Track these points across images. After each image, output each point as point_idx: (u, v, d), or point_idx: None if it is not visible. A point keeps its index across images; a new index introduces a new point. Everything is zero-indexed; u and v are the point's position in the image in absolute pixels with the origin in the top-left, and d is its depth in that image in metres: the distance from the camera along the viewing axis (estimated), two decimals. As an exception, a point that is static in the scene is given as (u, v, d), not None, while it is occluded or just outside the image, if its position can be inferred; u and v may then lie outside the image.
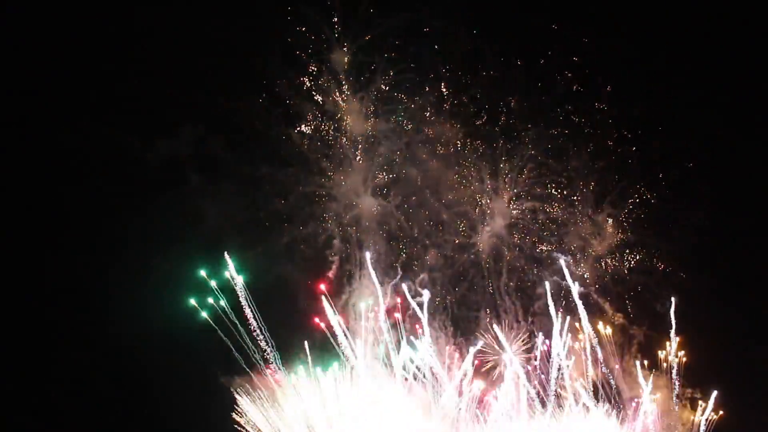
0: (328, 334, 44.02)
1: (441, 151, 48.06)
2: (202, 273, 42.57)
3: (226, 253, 42.58)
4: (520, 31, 48.87)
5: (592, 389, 46.63)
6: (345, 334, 44.02)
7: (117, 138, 41.68)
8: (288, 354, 43.46)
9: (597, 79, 48.96)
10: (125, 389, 44.09)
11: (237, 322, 42.48)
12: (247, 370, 42.94)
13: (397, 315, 45.37)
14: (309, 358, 43.29)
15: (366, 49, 46.28)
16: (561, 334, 46.06)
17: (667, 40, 50.54)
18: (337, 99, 46.39)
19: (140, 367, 43.49)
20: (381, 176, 47.14)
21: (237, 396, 43.04)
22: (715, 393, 46.79)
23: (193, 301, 42.51)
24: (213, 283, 42.54)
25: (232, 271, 42.76)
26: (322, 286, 44.72)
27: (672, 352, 47.21)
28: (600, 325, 47.34)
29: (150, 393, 43.74)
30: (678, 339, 47.19)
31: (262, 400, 43.05)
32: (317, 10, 45.26)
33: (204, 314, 42.37)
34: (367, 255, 45.71)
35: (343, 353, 43.92)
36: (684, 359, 47.35)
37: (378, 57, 46.45)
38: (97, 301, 43.92)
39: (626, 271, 48.91)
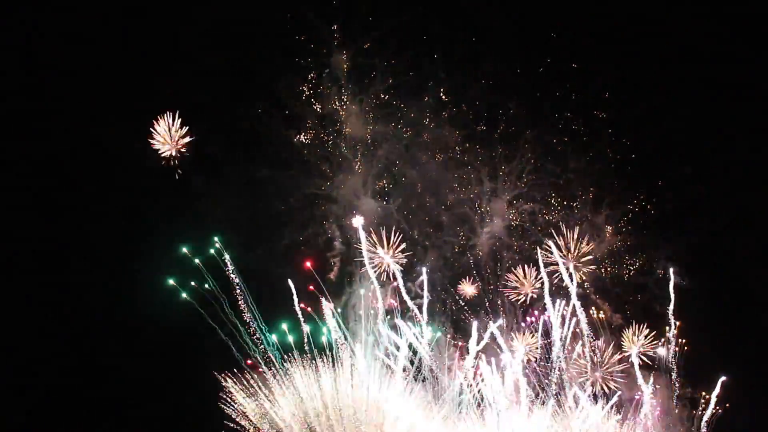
0: (321, 324, 44.37)
1: (439, 158, 48.43)
2: (185, 251, 43.00)
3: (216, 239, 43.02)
4: (519, 37, 49.50)
5: (591, 389, 46.72)
6: (339, 325, 44.25)
7: (118, 140, 42.01)
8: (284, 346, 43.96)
9: (596, 82, 49.50)
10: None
11: (237, 322, 42.96)
12: (242, 361, 43.44)
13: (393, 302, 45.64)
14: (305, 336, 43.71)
15: (365, 55, 46.84)
16: (562, 325, 46.20)
17: (666, 45, 51.11)
18: (336, 104, 46.79)
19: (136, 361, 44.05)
20: (381, 180, 47.49)
21: (230, 388, 43.43)
22: (722, 378, 46.81)
23: (177, 287, 43.00)
24: (206, 273, 43.10)
25: (228, 261, 43.24)
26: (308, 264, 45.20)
27: (671, 341, 47.31)
28: (593, 310, 47.52)
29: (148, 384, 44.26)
30: (678, 323, 47.26)
31: (257, 394, 43.39)
32: (317, 15, 45.91)
33: (184, 294, 42.73)
34: (366, 257, 46.02)
35: (332, 333, 44.24)
36: (685, 348, 47.47)
37: (377, 62, 47.04)
38: (95, 297, 44.39)
39: (626, 278, 49.13)
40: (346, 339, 44.17)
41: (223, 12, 44.43)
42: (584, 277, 47.81)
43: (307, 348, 43.52)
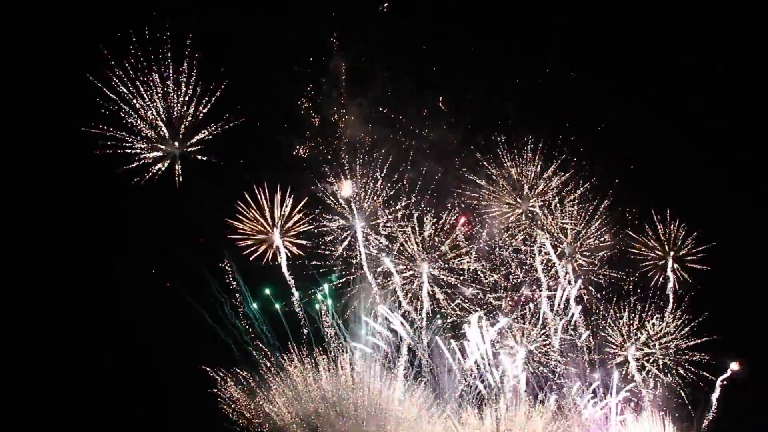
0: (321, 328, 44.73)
1: (439, 165, 48.76)
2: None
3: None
4: (518, 44, 50.03)
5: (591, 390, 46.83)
6: (340, 328, 44.53)
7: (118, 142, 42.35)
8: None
9: (595, 88, 49.91)
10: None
11: (236, 321, 43.36)
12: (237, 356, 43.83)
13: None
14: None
15: (365, 60, 47.28)
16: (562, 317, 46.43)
17: (664, 49, 51.62)
18: (336, 116, 47.13)
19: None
20: (381, 182, 47.79)
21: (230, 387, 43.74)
22: (723, 378, 46.95)
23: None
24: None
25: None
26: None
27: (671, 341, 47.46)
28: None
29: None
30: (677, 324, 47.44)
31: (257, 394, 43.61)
32: (317, 20, 46.45)
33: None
34: (364, 260, 46.30)
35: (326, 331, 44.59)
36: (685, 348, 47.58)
37: (377, 67, 47.51)
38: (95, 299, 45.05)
39: (625, 287, 49.33)
40: (345, 339, 44.52)
41: (223, 17, 44.88)
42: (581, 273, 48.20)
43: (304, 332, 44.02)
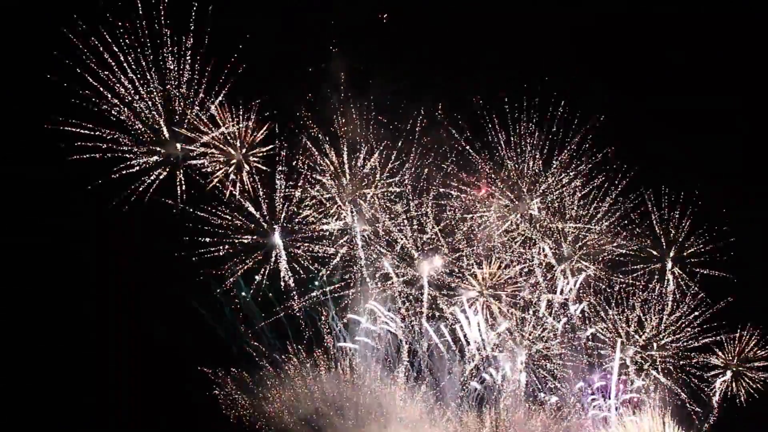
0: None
1: (438, 166, 48.80)
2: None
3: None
4: (518, 44, 50.02)
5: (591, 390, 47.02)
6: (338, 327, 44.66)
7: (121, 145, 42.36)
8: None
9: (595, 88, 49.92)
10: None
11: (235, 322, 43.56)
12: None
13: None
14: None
15: (363, 67, 47.29)
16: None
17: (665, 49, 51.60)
18: (336, 123, 47.12)
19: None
20: (380, 184, 47.82)
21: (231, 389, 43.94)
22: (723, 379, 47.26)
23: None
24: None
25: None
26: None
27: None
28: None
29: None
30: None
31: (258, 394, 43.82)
32: (316, 22, 46.38)
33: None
34: (363, 262, 46.37)
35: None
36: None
37: (376, 68, 47.47)
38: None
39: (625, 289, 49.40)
40: (345, 340, 44.67)
41: (222, 18, 44.73)
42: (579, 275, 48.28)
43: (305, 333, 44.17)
